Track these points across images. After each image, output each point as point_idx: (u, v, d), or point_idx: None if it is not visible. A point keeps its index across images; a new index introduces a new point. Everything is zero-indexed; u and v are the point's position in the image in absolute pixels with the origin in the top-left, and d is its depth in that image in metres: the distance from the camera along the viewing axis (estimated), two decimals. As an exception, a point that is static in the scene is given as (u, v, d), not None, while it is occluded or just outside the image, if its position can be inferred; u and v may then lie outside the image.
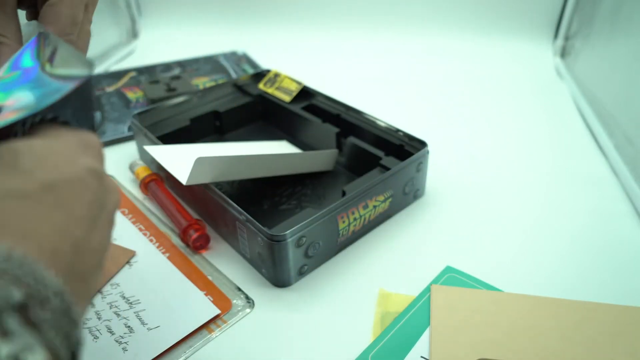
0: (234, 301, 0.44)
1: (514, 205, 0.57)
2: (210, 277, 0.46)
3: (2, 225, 0.19)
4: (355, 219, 0.48)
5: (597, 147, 0.68)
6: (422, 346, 0.40)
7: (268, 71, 0.73)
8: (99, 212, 0.23)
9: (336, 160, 0.60)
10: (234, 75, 0.90)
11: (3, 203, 0.19)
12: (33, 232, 0.19)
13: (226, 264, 0.48)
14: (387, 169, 0.51)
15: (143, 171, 0.58)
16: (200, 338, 0.41)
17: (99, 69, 0.96)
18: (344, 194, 0.48)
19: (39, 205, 0.20)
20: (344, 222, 0.47)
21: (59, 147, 0.23)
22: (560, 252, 0.50)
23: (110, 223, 0.25)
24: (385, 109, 0.76)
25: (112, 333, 0.40)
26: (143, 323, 0.41)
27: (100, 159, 0.26)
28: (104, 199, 0.24)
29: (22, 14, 0.35)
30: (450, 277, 0.46)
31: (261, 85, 0.71)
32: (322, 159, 0.58)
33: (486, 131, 0.73)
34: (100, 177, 0.24)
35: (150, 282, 0.45)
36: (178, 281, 0.46)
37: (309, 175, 0.59)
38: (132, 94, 0.82)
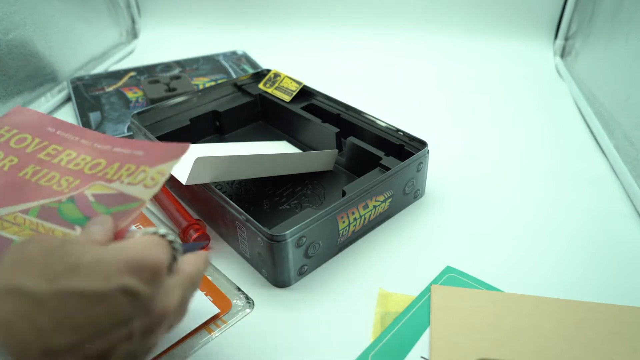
0: (234, 301, 0.44)
1: (514, 205, 0.57)
2: (210, 277, 0.46)
3: None
4: (355, 219, 0.48)
5: (597, 147, 0.68)
6: (422, 346, 0.40)
7: (268, 71, 0.73)
8: (115, 326, 0.25)
9: (336, 160, 0.60)
10: (234, 75, 0.90)
11: (6, 298, 0.23)
12: (13, 326, 0.22)
13: (226, 264, 0.48)
14: (387, 169, 0.51)
15: (143, 171, 0.58)
16: (200, 338, 0.41)
17: (99, 69, 0.96)
18: (344, 194, 0.48)
19: (39, 308, 0.23)
20: (344, 222, 0.47)
21: (107, 259, 0.26)
22: (560, 252, 0.50)
23: (129, 339, 0.26)
24: (385, 108, 0.76)
25: (111, 333, 0.40)
26: (143, 323, 0.41)
27: (149, 281, 0.27)
28: (129, 315, 0.26)
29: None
30: (450, 277, 0.46)
31: (261, 85, 0.71)
32: (322, 159, 0.58)
33: (486, 131, 0.73)
34: (134, 296, 0.26)
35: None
36: (178, 281, 0.45)
37: (309, 175, 0.59)
38: (132, 94, 0.82)
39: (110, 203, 0.35)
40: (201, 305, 0.43)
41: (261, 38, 1.05)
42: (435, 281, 0.46)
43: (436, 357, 0.38)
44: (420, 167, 0.54)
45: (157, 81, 0.81)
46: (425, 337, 0.40)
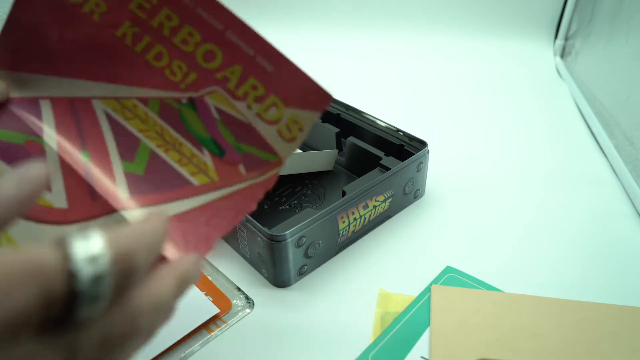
0: (234, 301, 0.44)
1: (514, 205, 0.57)
2: (210, 277, 0.46)
3: None
4: (355, 219, 0.48)
5: (597, 147, 0.68)
6: (422, 346, 0.40)
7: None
8: None
9: (336, 160, 0.60)
10: (233, 75, 0.89)
11: None
12: None
13: (226, 264, 0.48)
14: (387, 169, 0.51)
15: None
16: (200, 338, 0.41)
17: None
18: (344, 194, 0.48)
19: None
20: (344, 222, 0.47)
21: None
22: (560, 252, 0.50)
23: None
24: (385, 108, 0.76)
25: (111, 333, 0.40)
26: (143, 323, 0.41)
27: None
28: None
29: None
30: (450, 277, 0.46)
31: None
32: (322, 159, 0.58)
33: (486, 131, 0.73)
34: None
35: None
36: (178, 281, 0.45)
37: (309, 175, 0.59)
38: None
39: (239, 133, 0.30)
40: (201, 306, 0.43)
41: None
42: (435, 281, 0.46)
43: (436, 357, 0.38)
44: (420, 167, 0.54)
45: None
46: (425, 337, 0.40)
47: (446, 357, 0.38)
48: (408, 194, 0.55)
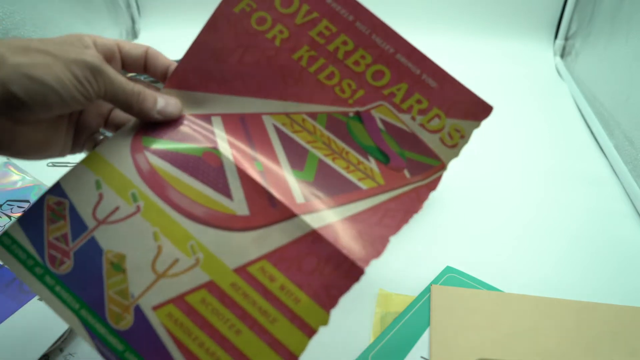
0: (234, 301, 0.44)
1: (514, 205, 0.57)
2: (210, 277, 0.46)
3: None
4: (355, 219, 0.48)
5: (597, 147, 0.68)
6: (422, 346, 0.40)
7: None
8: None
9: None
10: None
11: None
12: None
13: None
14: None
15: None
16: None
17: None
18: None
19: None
20: (344, 222, 0.47)
21: None
22: (560, 252, 0.50)
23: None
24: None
25: (111, 333, 0.40)
26: (143, 323, 0.41)
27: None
28: None
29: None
30: (450, 277, 0.46)
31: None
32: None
33: (486, 131, 0.73)
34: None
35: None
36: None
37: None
38: (132, 94, 0.82)
39: (404, 141, 0.32)
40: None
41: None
42: (435, 281, 0.46)
43: (436, 357, 0.38)
44: (420, 167, 0.54)
45: (157, 81, 0.81)
46: (425, 337, 0.40)
47: (446, 357, 0.38)
48: (408, 194, 0.55)
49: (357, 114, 0.33)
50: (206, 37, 0.34)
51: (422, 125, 0.32)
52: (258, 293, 0.29)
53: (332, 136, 0.33)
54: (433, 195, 0.58)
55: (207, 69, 0.34)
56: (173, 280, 0.29)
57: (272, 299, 0.29)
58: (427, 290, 0.45)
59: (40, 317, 0.40)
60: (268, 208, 0.30)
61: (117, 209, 0.30)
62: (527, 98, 0.82)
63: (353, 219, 0.31)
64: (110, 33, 1.04)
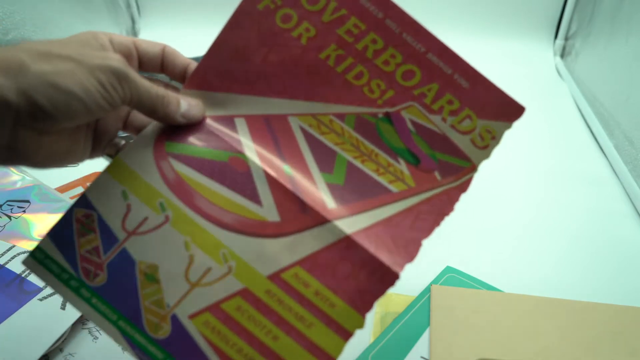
0: (234, 301, 0.44)
1: (514, 206, 0.57)
2: (210, 277, 0.46)
3: None
4: (355, 219, 0.48)
5: (597, 147, 0.68)
6: (422, 346, 0.40)
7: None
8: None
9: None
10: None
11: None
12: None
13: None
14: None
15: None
16: (200, 338, 0.41)
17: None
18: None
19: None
20: (343, 222, 0.47)
21: None
22: (560, 252, 0.50)
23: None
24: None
25: (111, 333, 0.40)
26: (143, 323, 0.41)
27: None
28: None
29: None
30: (450, 277, 0.46)
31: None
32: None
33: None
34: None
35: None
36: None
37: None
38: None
39: (434, 143, 0.32)
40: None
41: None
42: (435, 281, 0.46)
43: (436, 357, 0.38)
44: (420, 167, 0.54)
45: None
46: (425, 337, 0.40)
47: (446, 357, 0.38)
48: (408, 194, 0.55)
49: (387, 115, 0.32)
50: (228, 35, 0.33)
51: (453, 126, 0.32)
52: (293, 299, 0.29)
53: (360, 138, 0.32)
54: (433, 195, 0.58)
55: (229, 69, 0.33)
56: (207, 289, 0.29)
57: (308, 305, 0.29)
58: (427, 290, 0.45)
59: (40, 317, 0.40)
60: (299, 214, 0.30)
61: (146, 219, 0.30)
62: (527, 98, 0.81)
63: (385, 222, 0.31)
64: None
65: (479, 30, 1.00)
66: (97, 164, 0.66)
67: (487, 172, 0.63)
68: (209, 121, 0.32)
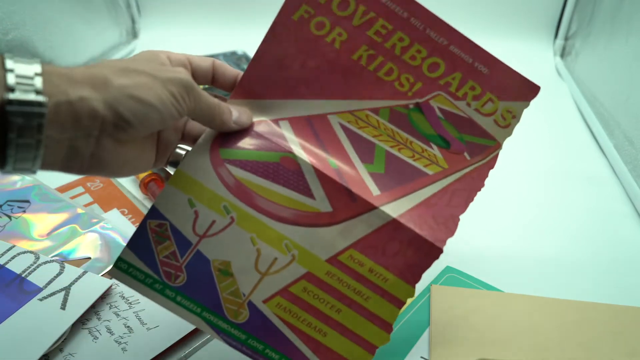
0: (234, 301, 0.44)
1: (514, 205, 0.57)
2: (210, 277, 0.46)
3: None
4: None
5: (597, 147, 0.68)
6: (422, 346, 0.40)
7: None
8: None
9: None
10: (234, 75, 0.89)
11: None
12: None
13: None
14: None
15: (143, 171, 0.58)
16: (200, 338, 0.41)
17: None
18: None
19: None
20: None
21: None
22: (560, 252, 0.50)
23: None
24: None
25: (111, 333, 0.40)
26: (142, 323, 0.41)
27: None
28: None
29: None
30: (450, 277, 0.46)
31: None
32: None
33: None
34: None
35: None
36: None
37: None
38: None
39: (461, 126, 0.36)
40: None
41: (261, 38, 1.05)
42: (435, 281, 0.46)
43: (436, 357, 0.38)
44: (420, 167, 0.54)
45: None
46: (425, 337, 0.40)
47: (446, 357, 0.38)
48: (408, 194, 0.55)
49: (417, 105, 0.36)
50: (268, 46, 0.36)
51: (477, 110, 0.36)
52: (351, 277, 0.33)
53: (395, 128, 0.36)
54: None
55: (270, 77, 0.35)
56: (275, 276, 0.33)
57: (364, 281, 0.33)
58: (427, 290, 0.45)
59: (40, 317, 0.40)
60: (349, 203, 0.34)
61: (213, 222, 0.33)
62: (527, 98, 0.82)
63: (425, 203, 0.35)
64: (110, 33, 1.04)
65: (479, 30, 0.99)
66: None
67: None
68: (256, 126, 0.35)
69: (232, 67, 0.37)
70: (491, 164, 0.36)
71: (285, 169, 0.34)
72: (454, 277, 0.46)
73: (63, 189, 0.57)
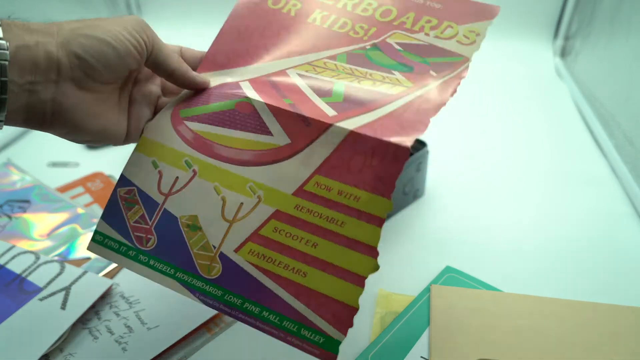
0: (234, 301, 0.44)
1: (514, 205, 0.57)
2: (210, 277, 0.46)
3: None
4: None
5: (597, 147, 0.68)
6: (422, 346, 0.40)
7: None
8: None
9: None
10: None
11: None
12: None
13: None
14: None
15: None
16: (200, 338, 0.41)
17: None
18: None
19: None
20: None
21: None
22: (560, 252, 0.50)
23: None
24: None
25: (111, 333, 0.40)
26: (143, 323, 0.41)
27: None
28: None
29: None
30: (450, 277, 0.46)
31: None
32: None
33: (486, 131, 0.73)
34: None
35: (149, 282, 0.45)
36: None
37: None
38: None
39: (423, 52, 0.36)
40: (201, 305, 0.43)
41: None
42: (435, 281, 0.46)
43: (436, 357, 0.38)
44: (420, 167, 0.54)
45: None
46: (425, 337, 0.40)
47: (446, 357, 0.38)
48: (407, 194, 0.55)
49: (374, 45, 0.37)
50: (230, 24, 0.39)
51: (437, 37, 0.36)
52: (321, 205, 0.31)
53: (353, 67, 0.36)
54: (433, 195, 0.58)
55: (233, 49, 0.38)
56: (244, 221, 0.32)
57: (335, 206, 0.31)
58: (427, 290, 0.45)
59: (40, 317, 0.40)
60: (304, 129, 0.33)
61: (177, 179, 0.34)
62: (527, 98, 0.82)
63: (390, 115, 0.32)
64: (110, 33, 1.04)
65: (479, 30, 0.99)
66: (97, 165, 0.67)
67: (487, 172, 0.63)
68: (217, 87, 0.37)
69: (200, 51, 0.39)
70: (462, 75, 0.34)
71: (241, 114, 0.34)
72: (454, 277, 0.46)
73: (63, 189, 0.57)
